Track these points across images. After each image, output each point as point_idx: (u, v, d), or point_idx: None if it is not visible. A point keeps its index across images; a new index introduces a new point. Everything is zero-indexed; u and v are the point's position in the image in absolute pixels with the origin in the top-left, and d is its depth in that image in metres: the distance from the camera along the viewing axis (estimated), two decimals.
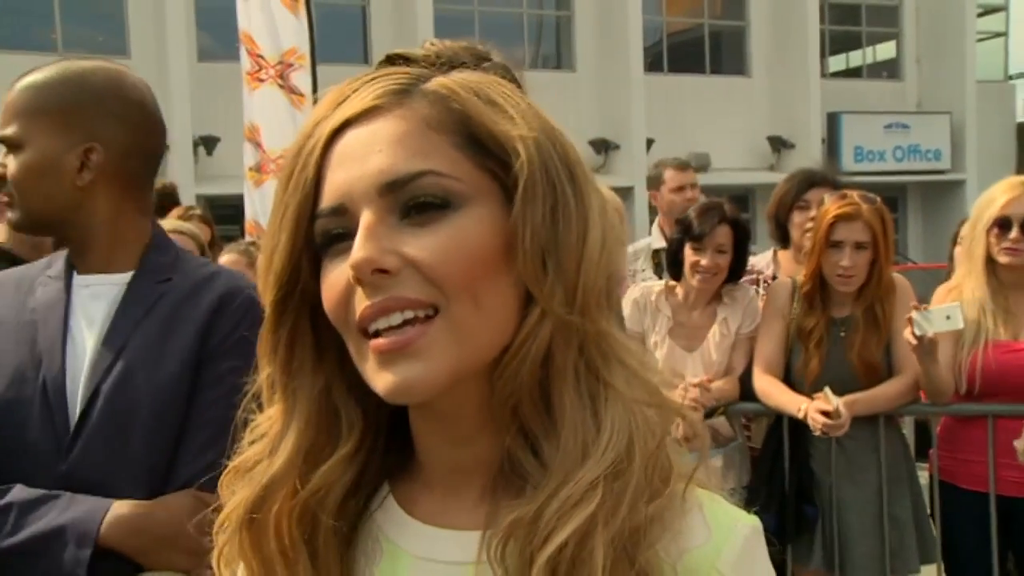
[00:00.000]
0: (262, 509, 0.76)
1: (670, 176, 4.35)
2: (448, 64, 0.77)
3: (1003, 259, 3.00)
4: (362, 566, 0.78)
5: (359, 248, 0.68)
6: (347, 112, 0.73)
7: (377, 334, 0.70)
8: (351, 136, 0.72)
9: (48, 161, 1.60)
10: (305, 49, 4.26)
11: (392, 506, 0.80)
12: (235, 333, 1.63)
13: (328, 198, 0.72)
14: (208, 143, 15.79)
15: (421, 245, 0.69)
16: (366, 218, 0.69)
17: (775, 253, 3.87)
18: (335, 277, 0.71)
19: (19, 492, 1.52)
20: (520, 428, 0.73)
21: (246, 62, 4.34)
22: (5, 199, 1.68)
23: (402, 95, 0.73)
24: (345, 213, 0.71)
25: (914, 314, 2.87)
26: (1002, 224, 3.00)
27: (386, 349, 0.69)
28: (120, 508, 1.52)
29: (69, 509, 1.51)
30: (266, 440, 0.78)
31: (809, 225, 3.64)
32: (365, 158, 0.71)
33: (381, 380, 0.70)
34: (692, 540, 0.72)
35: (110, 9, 16.35)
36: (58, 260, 1.68)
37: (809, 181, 3.71)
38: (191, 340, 1.60)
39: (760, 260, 3.84)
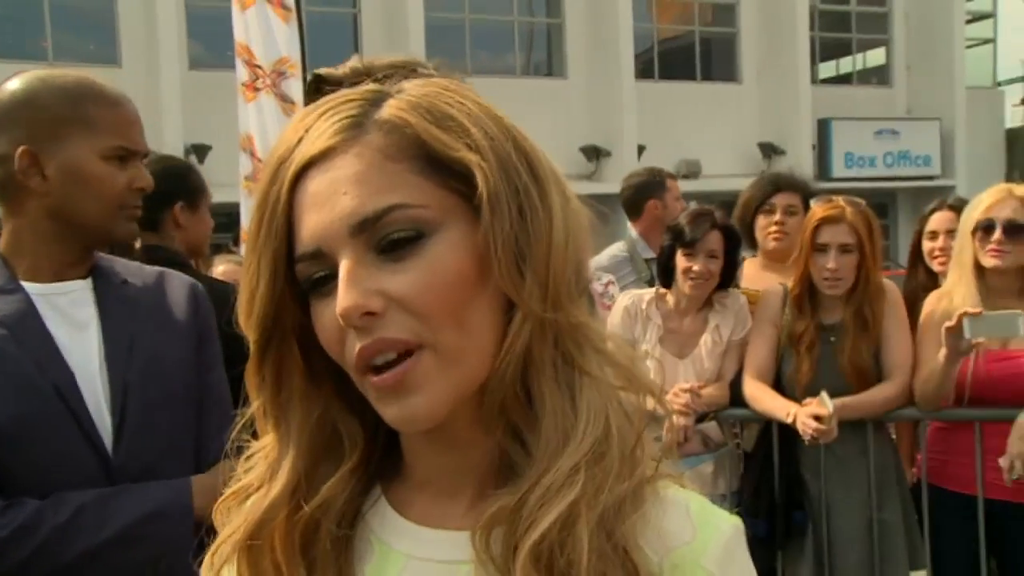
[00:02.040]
0: (261, 534, 0.78)
1: (673, 184, 4.31)
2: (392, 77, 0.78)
3: (988, 262, 3.02)
4: (354, 567, 0.80)
5: (343, 297, 0.70)
6: (305, 154, 0.73)
7: (376, 369, 0.72)
8: (315, 180, 0.73)
9: None
10: (296, 58, 4.27)
11: (384, 508, 0.81)
12: (211, 318, 1.77)
13: (304, 244, 0.73)
14: (199, 151, 15.75)
15: (401, 282, 0.71)
16: (345, 264, 0.71)
17: (741, 260, 3.86)
18: (326, 320, 0.73)
19: (79, 495, 1.54)
20: (508, 424, 0.75)
21: (242, 73, 4.34)
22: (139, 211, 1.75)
23: (356, 129, 0.73)
24: (324, 256, 0.72)
25: (966, 318, 2.84)
26: (986, 227, 3.03)
27: (384, 386, 0.72)
28: (202, 480, 1.61)
29: (149, 494, 1.57)
30: (262, 466, 0.80)
31: (772, 229, 3.65)
32: (332, 201, 0.72)
33: (387, 412, 0.74)
34: (678, 538, 0.74)
35: (101, 18, 16.32)
36: None
37: (775, 185, 3.71)
38: (187, 328, 1.71)
39: None
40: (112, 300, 1.68)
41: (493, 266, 0.73)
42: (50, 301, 1.63)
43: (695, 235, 3.23)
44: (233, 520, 0.81)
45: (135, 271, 1.77)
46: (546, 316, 0.73)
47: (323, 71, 0.82)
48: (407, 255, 0.71)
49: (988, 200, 3.08)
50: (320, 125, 0.74)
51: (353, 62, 0.82)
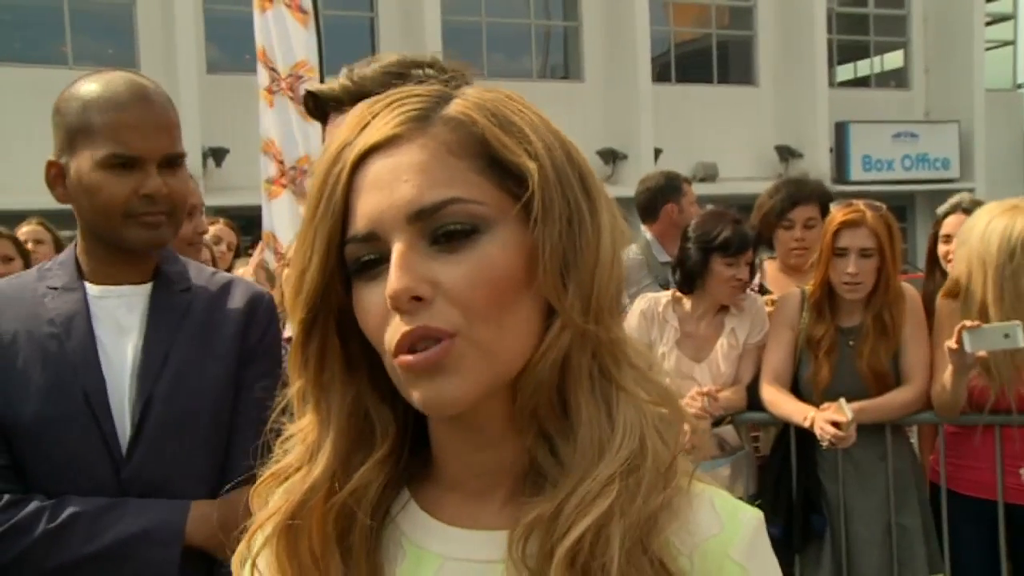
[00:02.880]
0: (302, 514, 0.79)
1: (689, 189, 4.32)
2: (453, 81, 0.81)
3: None
4: (384, 568, 0.81)
5: (396, 279, 0.72)
6: (370, 139, 0.75)
7: (410, 350, 0.73)
8: (377, 165, 0.75)
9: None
10: (314, 61, 4.29)
11: (414, 510, 0.82)
12: (268, 334, 1.73)
13: (359, 225, 0.75)
14: (217, 155, 15.86)
15: (452, 273, 0.73)
16: (398, 248, 0.73)
17: (761, 262, 3.84)
18: (371, 303, 0.75)
19: (79, 502, 1.55)
20: (539, 430, 0.77)
21: (263, 77, 4.37)
22: (164, 217, 1.65)
23: (422, 121, 0.76)
24: (377, 240, 0.74)
25: (966, 331, 2.81)
26: None
27: (418, 366, 0.72)
28: (202, 507, 1.59)
29: (146, 512, 1.56)
30: (302, 449, 0.81)
31: (793, 245, 3.62)
32: (392, 187, 0.74)
33: (416, 394, 0.74)
34: (706, 532, 0.77)
35: (120, 22, 16.46)
36: (58, 270, 1.69)
37: (793, 200, 3.64)
38: (231, 342, 1.68)
39: None
40: (162, 309, 1.66)
41: (539, 271, 0.74)
42: (103, 303, 1.65)
43: (742, 244, 3.23)
44: (272, 502, 0.81)
45: (205, 278, 1.75)
46: (587, 328, 0.75)
47: (314, 88, 0.84)
48: (460, 248, 0.73)
49: None
50: (386, 114, 0.77)
51: (343, 79, 0.84)
